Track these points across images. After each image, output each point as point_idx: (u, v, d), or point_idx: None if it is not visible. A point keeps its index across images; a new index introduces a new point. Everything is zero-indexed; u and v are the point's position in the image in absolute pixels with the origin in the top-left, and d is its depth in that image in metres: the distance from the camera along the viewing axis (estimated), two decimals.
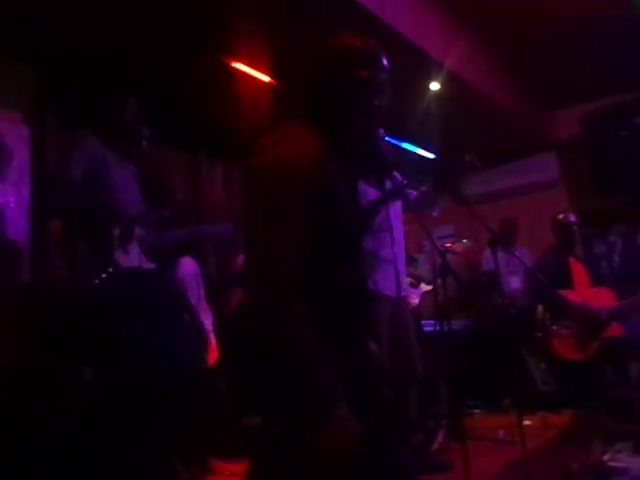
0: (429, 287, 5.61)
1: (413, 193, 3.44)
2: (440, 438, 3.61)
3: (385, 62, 1.61)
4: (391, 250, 3.30)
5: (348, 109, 1.54)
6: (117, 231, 2.71)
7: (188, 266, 4.04)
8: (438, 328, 4.49)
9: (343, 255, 1.44)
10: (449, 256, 4.91)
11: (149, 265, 2.86)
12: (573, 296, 4.19)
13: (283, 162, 1.36)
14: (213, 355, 3.93)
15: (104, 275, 2.59)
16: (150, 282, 2.85)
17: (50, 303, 3.37)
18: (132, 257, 2.76)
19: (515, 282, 5.80)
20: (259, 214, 1.36)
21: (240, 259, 4.82)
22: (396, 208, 3.42)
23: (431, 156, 6.91)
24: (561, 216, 4.70)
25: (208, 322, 4.01)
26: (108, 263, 2.64)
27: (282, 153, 1.38)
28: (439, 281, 4.93)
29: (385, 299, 3.16)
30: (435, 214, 3.48)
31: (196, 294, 4.00)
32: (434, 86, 5.09)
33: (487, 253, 6.14)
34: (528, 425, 3.69)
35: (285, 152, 1.38)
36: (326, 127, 1.49)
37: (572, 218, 4.71)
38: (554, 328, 4.14)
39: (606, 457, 3.82)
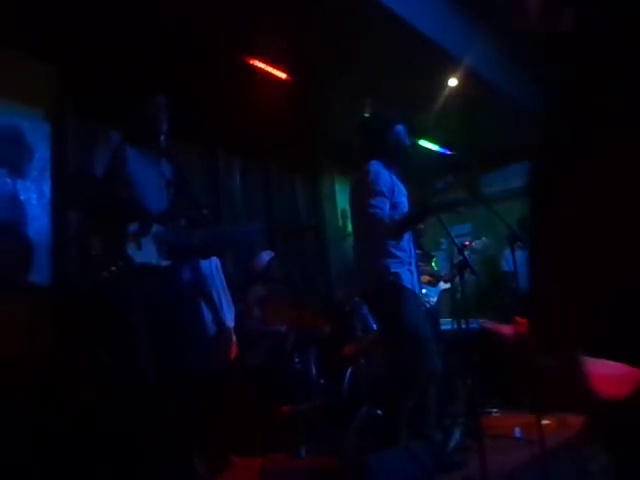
0: (447, 285, 5.60)
1: None
2: (457, 437, 3.60)
3: None
4: (410, 246, 3.34)
5: None
6: (132, 227, 2.73)
7: (210, 262, 4.05)
8: (456, 327, 4.47)
9: None
10: (467, 254, 4.89)
11: (164, 262, 2.87)
12: None
13: None
14: (233, 351, 3.95)
15: (114, 268, 2.61)
16: (162, 278, 2.85)
17: (66, 298, 3.43)
18: (146, 253, 2.77)
19: None
20: None
21: (265, 255, 4.83)
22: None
23: (448, 153, 6.89)
24: None
25: (230, 318, 4.02)
26: (120, 257, 2.65)
27: None
28: (457, 279, 4.93)
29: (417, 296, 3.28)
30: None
31: (219, 290, 4.02)
32: (452, 82, 5.06)
33: (506, 252, 6.12)
34: (546, 424, 3.66)
35: None
36: None
37: None
38: None
39: None
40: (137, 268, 2.70)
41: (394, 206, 3.28)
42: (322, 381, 4.30)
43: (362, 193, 3.32)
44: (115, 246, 2.66)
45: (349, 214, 6.55)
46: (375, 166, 3.35)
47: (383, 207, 3.20)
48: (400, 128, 3.48)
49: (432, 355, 3.25)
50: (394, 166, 3.43)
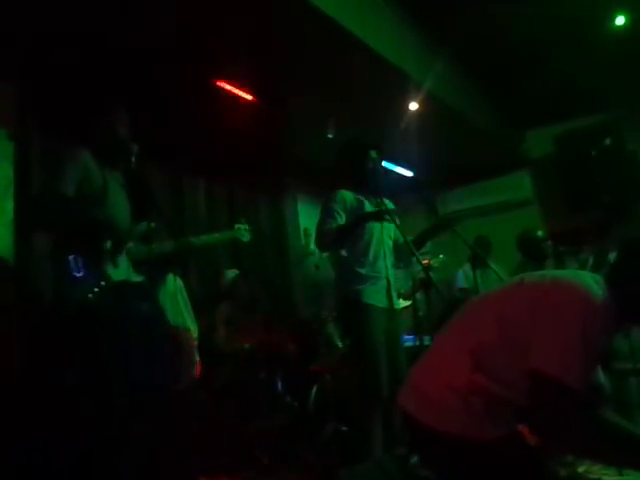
0: (407, 302, 5.69)
1: None
2: None
3: None
4: (384, 263, 3.43)
5: None
6: (108, 244, 2.74)
7: (172, 281, 4.07)
8: (418, 343, 4.56)
9: None
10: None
11: (137, 278, 2.90)
12: None
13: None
14: (197, 369, 3.97)
15: (97, 289, 2.60)
16: (138, 295, 2.87)
17: (38, 319, 3.39)
18: (121, 270, 2.79)
19: None
20: None
21: (230, 273, 4.86)
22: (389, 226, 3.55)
23: (409, 174, 7.04)
24: (526, 232, 4.78)
25: (193, 337, 4.03)
26: (100, 277, 2.66)
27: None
28: (418, 296, 5.02)
29: (379, 311, 3.32)
30: None
31: (182, 309, 4.03)
32: (413, 106, 5.20)
33: (461, 270, 6.25)
34: None
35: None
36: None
37: (538, 233, 4.79)
38: None
39: (581, 468, 3.87)
40: (116, 287, 2.71)
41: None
42: (288, 398, 4.34)
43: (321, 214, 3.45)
44: (94, 266, 2.65)
45: (312, 232, 6.68)
46: (341, 193, 3.45)
47: (330, 224, 3.32)
48: (373, 153, 3.58)
49: (380, 371, 3.28)
50: (366, 191, 3.52)
